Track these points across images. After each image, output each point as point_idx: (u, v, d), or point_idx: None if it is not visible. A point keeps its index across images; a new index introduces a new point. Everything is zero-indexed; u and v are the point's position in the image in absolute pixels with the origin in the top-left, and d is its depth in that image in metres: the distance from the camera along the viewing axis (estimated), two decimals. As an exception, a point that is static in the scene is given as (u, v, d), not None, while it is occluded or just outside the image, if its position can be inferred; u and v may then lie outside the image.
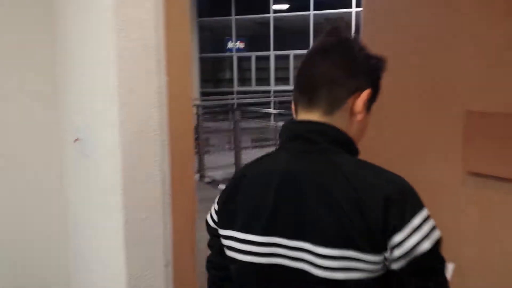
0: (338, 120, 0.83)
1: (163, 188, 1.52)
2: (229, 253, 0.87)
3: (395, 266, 0.75)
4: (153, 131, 1.45)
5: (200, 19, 14.17)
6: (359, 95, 0.84)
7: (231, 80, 14.78)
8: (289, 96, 13.21)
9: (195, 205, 1.85)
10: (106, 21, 1.41)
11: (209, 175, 6.60)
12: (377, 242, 0.74)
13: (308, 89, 0.85)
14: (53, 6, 1.79)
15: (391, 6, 2.41)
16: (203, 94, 14.60)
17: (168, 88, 1.52)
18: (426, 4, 2.21)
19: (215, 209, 0.93)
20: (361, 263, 0.74)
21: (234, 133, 5.90)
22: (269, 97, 13.30)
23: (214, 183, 6.49)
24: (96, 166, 1.57)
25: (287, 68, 14.11)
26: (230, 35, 14.34)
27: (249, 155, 6.63)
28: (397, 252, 0.74)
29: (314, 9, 13.08)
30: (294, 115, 0.89)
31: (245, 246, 0.83)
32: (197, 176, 6.60)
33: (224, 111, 11.47)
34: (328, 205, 0.77)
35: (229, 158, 6.58)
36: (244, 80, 15.21)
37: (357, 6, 11.85)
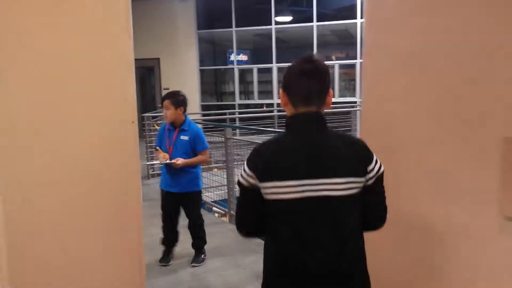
0: (322, 110, 1.48)
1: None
2: (273, 196, 1.40)
3: (370, 182, 1.45)
4: None
5: (200, 31, 13.81)
6: (329, 94, 1.49)
7: (233, 93, 14.37)
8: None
9: None
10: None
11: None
12: (363, 170, 1.43)
13: (308, 96, 1.45)
14: None
15: (395, 15, 1.94)
16: (204, 107, 14.18)
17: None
18: (442, 10, 1.73)
19: (248, 173, 1.43)
20: (357, 183, 1.42)
21: (225, 152, 5.41)
22: (272, 110, 12.87)
23: (206, 205, 5.99)
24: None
25: (290, 81, 13.67)
26: (232, 48, 13.96)
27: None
28: (372, 174, 1.45)
29: (317, 21, 12.66)
30: (286, 107, 1.50)
31: (287, 189, 1.38)
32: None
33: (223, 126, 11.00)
34: (338, 155, 1.42)
35: (222, 178, 6.08)
36: (247, 93, 14.80)
37: (362, 17, 11.42)
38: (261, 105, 13.88)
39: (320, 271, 1.38)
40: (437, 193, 1.79)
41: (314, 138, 1.42)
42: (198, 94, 14.19)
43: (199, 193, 3.84)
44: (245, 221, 1.51)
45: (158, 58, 14.01)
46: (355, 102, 11.94)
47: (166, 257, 3.92)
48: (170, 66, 13.88)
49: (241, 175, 1.46)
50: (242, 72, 14.41)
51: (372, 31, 2.10)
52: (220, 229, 4.86)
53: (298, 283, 1.40)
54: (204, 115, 13.23)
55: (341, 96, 13.07)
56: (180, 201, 3.78)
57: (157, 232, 4.48)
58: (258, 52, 14.59)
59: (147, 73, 14.74)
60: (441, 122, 1.73)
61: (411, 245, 1.92)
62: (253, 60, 14.25)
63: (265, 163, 1.40)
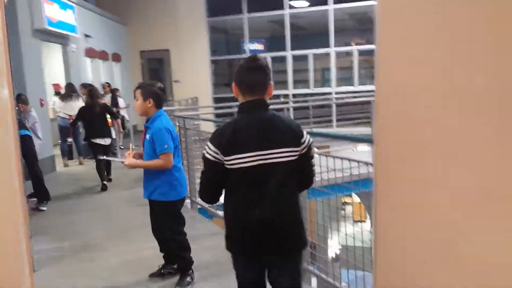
0: (265, 97, 1.95)
1: None
2: (235, 166, 1.87)
3: (303, 151, 1.95)
4: None
5: (210, 19, 13.15)
6: (270, 86, 1.96)
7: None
8: (307, 101, 12.04)
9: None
10: None
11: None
12: (298, 142, 1.93)
13: (253, 87, 1.92)
14: None
15: None
16: (216, 100, 13.57)
17: None
18: None
19: (214, 151, 1.89)
20: (294, 152, 1.91)
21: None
22: (287, 102, 12.15)
23: (209, 212, 5.39)
24: None
25: (306, 70, 12.86)
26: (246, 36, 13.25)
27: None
28: (304, 144, 1.95)
29: (334, 3, 11.81)
30: (238, 97, 1.97)
31: (246, 159, 1.86)
32: (188, 202, 5.50)
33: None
34: (280, 132, 1.91)
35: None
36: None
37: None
38: (277, 96, 13.17)
39: (263, 216, 1.89)
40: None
41: (261, 118, 1.92)
42: (210, 86, 13.59)
43: (167, 204, 3.11)
44: (211, 188, 1.99)
45: (168, 50, 13.46)
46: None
47: (157, 271, 3.45)
48: (180, 57, 13.30)
49: (208, 152, 1.91)
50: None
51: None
52: (216, 242, 4.25)
53: (247, 229, 1.93)
54: (217, 108, 12.61)
55: (360, 84, 12.24)
56: (151, 208, 3.23)
57: (146, 247, 3.94)
58: (273, 40, 13.85)
59: (158, 65, 14.21)
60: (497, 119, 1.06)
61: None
62: (269, 49, 13.53)
63: (228, 140, 1.87)
